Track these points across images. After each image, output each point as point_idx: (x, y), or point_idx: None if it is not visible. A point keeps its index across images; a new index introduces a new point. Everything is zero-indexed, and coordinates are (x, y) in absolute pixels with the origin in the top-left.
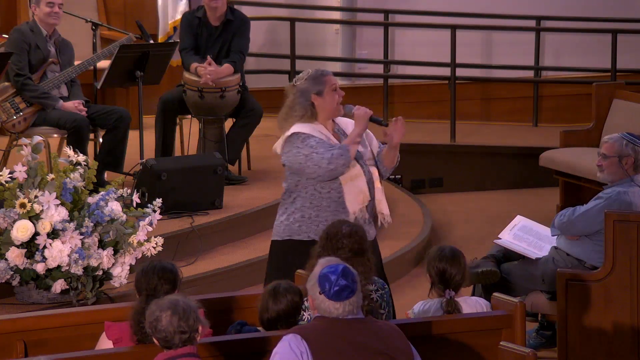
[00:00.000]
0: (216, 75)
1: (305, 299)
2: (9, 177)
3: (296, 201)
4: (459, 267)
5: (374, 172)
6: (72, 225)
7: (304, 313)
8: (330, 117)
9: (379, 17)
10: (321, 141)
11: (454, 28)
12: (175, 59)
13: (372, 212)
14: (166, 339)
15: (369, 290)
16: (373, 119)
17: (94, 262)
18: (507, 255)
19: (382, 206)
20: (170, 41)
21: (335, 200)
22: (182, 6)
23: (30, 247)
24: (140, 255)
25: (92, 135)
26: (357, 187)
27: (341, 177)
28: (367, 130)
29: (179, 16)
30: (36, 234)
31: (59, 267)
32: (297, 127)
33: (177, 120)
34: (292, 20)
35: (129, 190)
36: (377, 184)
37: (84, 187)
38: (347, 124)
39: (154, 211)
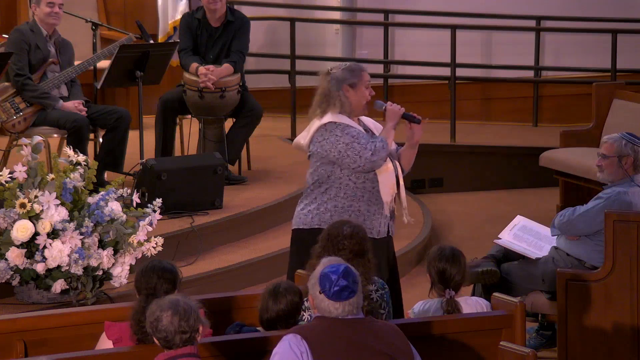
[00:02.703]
0: (215, 77)
1: (305, 298)
2: (9, 177)
3: (328, 191)
4: (459, 267)
5: (399, 166)
6: (72, 225)
7: (304, 313)
8: (358, 111)
9: (379, 17)
10: (361, 132)
11: (454, 28)
12: (176, 59)
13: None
14: (167, 338)
15: (368, 290)
16: (406, 115)
17: (94, 262)
18: (507, 255)
19: (405, 203)
20: (170, 41)
21: (369, 191)
22: (182, 6)
23: (30, 247)
24: (140, 255)
25: (92, 135)
26: (390, 179)
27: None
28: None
29: (179, 16)
30: (36, 234)
31: (59, 267)
32: (333, 117)
33: (177, 120)
34: (292, 20)
35: (129, 190)
36: (401, 180)
37: (84, 187)
38: (370, 122)
39: (154, 211)
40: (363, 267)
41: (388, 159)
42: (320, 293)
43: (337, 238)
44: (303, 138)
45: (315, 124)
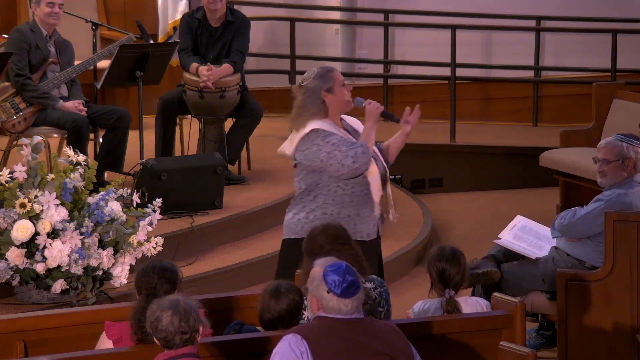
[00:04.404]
0: (215, 77)
1: (305, 298)
2: (9, 177)
3: (317, 199)
4: (459, 267)
5: (385, 166)
6: (72, 225)
7: (304, 312)
8: (340, 112)
9: (379, 17)
10: (342, 139)
11: (454, 28)
12: (176, 59)
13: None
14: (167, 339)
15: (367, 288)
16: (384, 114)
17: (94, 262)
18: (507, 255)
19: (392, 201)
20: (170, 41)
21: (358, 195)
22: (182, 6)
23: (30, 247)
24: (140, 255)
25: (92, 135)
26: (375, 180)
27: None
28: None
29: (179, 16)
30: (36, 234)
31: (59, 267)
32: (315, 124)
33: (177, 120)
34: (292, 20)
35: (129, 190)
36: (388, 179)
37: (84, 187)
38: (354, 122)
39: (154, 211)
40: (350, 256)
41: (372, 160)
42: (328, 293)
43: (312, 239)
44: (287, 147)
45: (299, 132)
